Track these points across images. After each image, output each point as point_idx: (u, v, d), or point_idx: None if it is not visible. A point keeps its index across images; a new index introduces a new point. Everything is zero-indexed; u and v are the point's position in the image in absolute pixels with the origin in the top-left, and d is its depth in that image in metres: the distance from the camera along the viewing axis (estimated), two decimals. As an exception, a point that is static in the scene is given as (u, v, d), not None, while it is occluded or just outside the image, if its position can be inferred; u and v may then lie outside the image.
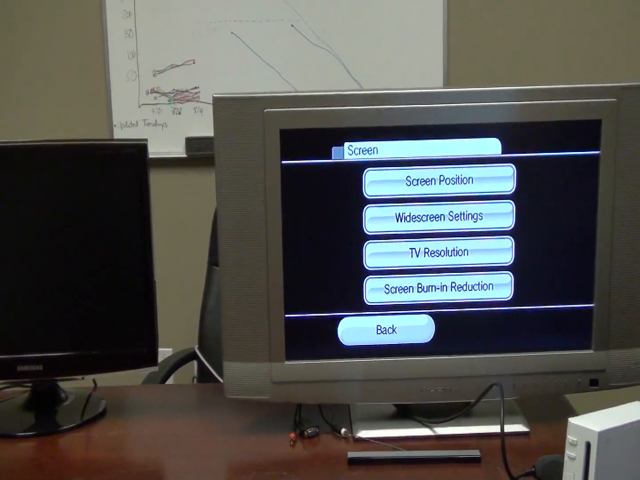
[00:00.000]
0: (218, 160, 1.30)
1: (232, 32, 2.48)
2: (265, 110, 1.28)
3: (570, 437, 0.93)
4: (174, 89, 2.50)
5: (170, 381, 2.01)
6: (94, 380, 1.56)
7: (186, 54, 2.49)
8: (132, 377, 1.73)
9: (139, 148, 1.40)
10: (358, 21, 2.46)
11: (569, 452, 0.94)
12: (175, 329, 2.36)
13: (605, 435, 0.90)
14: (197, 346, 2.03)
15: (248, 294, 1.32)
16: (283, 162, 1.30)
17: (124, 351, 1.45)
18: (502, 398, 1.26)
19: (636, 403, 1.00)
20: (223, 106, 1.29)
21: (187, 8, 2.46)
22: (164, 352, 2.13)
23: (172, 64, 2.50)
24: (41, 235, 1.42)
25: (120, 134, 2.51)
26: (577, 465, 0.92)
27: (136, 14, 2.47)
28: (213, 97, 1.30)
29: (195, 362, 2.06)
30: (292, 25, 2.47)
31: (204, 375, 1.99)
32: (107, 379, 1.55)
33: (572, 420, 0.94)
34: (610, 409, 0.98)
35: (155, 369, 1.50)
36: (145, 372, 1.59)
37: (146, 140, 1.42)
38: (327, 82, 2.46)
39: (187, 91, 2.50)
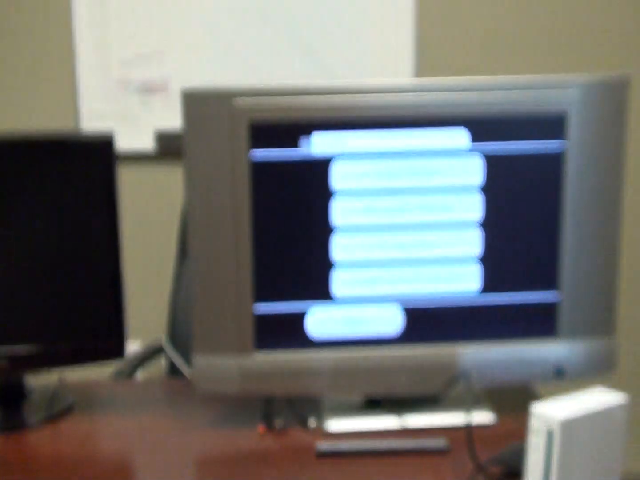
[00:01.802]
0: (187, 153, 1.29)
1: (201, 23, 2.46)
2: (233, 102, 1.27)
3: (533, 425, 0.94)
4: (142, 80, 2.48)
5: (138, 375, 1.99)
6: (60, 376, 1.54)
7: (155, 45, 2.47)
8: (99, 371, 1.71)
9: (106, 140, 1.39)
10: (329, 13, 2.46)
11: (532, 439, 0.95)
12: (145, 322, 2.35)
13: (568, 422, 0.91)
14: (165, 339, 2.02)
15: (217, 286, 1.31)
16: (252, 153, 1.29)
17: (91, 344, 1.43)
18: (469, 387, 1.27)
19: (598, 389, 1.02)
20: (191, 99, 1.28)
21: (155, -2, 2.43)
22: (132, 346, 2.12)
23: (140, 54, 2.47)
24: (4, 228, 1.39)
25: (88, 125, 2.48)
26: (540, 452, 0.93)
27: (104, 2, 2.44)
28: (181, 90, 1.29)
29: (163, 356, 2.05)
30: (262, 16, 2.46)
31: (172, 368, 1.98)
32: (75, 373, 1.53)
33: (535, 408, 0.94)
34: (573, 395, 0.99)
35: (122, 362, 1.48)
36: (111, 365, 1.57)
37: (113, 131, 1.40)
38: (298, 74, 2.45)
39: (156, 82, 2.48)
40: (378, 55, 2.47)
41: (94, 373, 1.61)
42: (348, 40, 2.47)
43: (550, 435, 0.92)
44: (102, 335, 1.43)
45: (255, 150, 1.29)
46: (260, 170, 1.30)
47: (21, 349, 1.41)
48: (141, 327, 2.35)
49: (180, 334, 1.96)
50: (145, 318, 2.37)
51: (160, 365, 2.13)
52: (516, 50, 2.49)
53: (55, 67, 2.49)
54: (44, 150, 1.39)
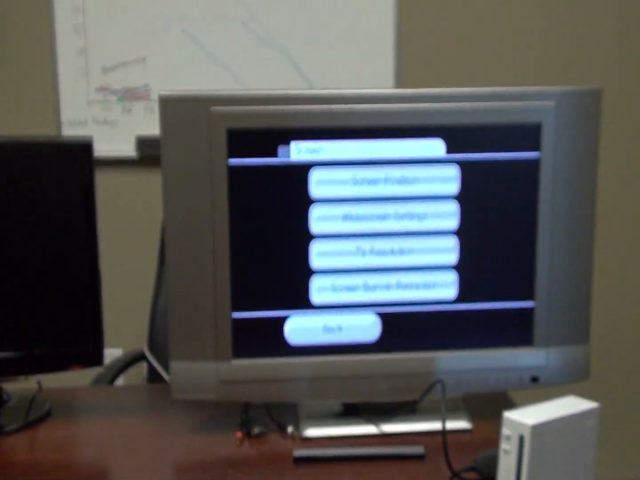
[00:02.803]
0: (164, 159, 1.30)
1: (183, 30, 2.46)
2: (211, 109, 1.28)
3: (504, 431, 0.95)
4: (123, 87, 2.48)
5: (119, 382, 1.99)
6: (38, 382, 1.54)
7: (136, 51, 2.47)
8: (79, 379, 1.71)
9: (84, 145, 1.39)
10: (310, 21, 2.47)
11: (504, 445, 0.96)
12: (125, 330, 2.35)
13: (539, 429, 0.92)
14: (146, 347, 2.02)
15: (195, 292, 1.32)
16: (230, 161, 1.30)
17: (69, 350, 1.43)
18: (444, 394, 1.29)
19: (570, 397, 1.03)
20: (169, 105, 1.29)
21: (138, 4, 2.44)
22: (114, 353, 2.12)
23: (122, 61, 2.47)
24: (-17, 234, 1.39)
25: (69, 132, 2.47)
26: (511, 458, 0.94)
27: (85, 9, 2.44)
28: (159, 95, 1.29)
29: (144, 363, 2.05)
30: (243, 24, 2.47)
31: (153, 376, 1.98)
32: (54, 380, 1.53)
33: (507, 414, 0.96)
34: (545, 403, 1.01)
35: (101, 369, 1.48)
36: (91, 372, 1.57)
37: (91, 137, 1.40)
38: (279, 82, 2.46)
39: (137, 89, 2.48)
40: (358, 65, 2.48)
41: (74, 380, 1.61)
42: (328, 49, 2.48)
43: (521, 440, 0.93)
44: (80, 341, 1.43)
45: (233, 157, 1.30)
46: (239, 177, 1.30)
47: (-2, 355, 1.41)
48: (123, 335, 2.34)
49: (160, 341, 1.96)
50: (126, 326, 2.36)
51: (141, 372, 2.13)
52: (495, 61, 2.51)
53: (36, 74, 2.49)
54: (22, 155, 1.39)
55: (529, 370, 1.38)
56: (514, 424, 0.94)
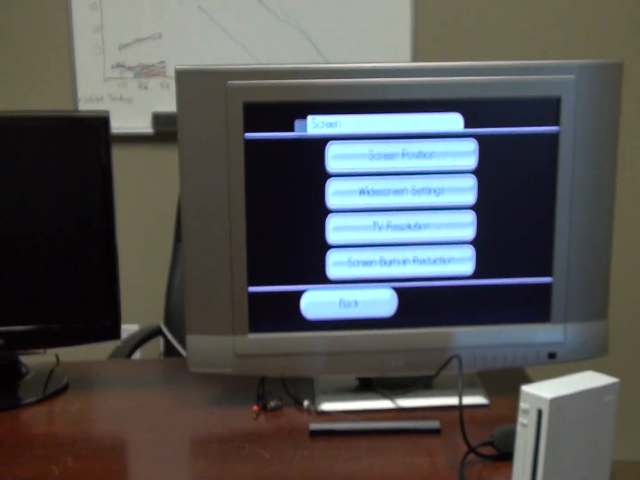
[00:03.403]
0: (181, 134, 1.29)
1: (199, 6, 2.45)
2: (228, 83, 1.28)
3: (522, 405, 0.95)
4: (140, 64, 2.47)
5: (135, 357, 2.00)
6: (56, 355, 1.55)
7: (152, 28, 2.46)
8: (96, 354, 1.72)
9: (101, 120, 1.39)
10: (326, -3, 2.45)
11: (521, 419, 0.95)
12: (142, 305, 2.36)
13: (557, 402, 0.92)
14: (162, 322, 2.03)
15: (211, 267, 1.32)
16: (246, 135, 1.29)
17: (86, 324, 1.44)
18: (461, 369, 1.28)
19: (589, 372, 1.02)
20: (186, 79, 1.29)
21: (154, -19, 2.43)
22: (130, 329, 2.13)
23: (138, 38, 2.47)
24: (0, 207, 1.40)
25: (86, 108, 2.47)
26: (529, 432, 0.94)
27: (101, -14, 2.43)
28: (175, 69, 1.29)
29: (161, 338, 2.06)
30: (259, 0, 2.45)
31: (169, 351, 1.99)
32: (72, 356, 1.54)
33: (525, 387, 0.95)
34: (563, 377, 1.00)
35: (118, 343, 1.49)
36: (109, 347, 1.58)
37: (108, 111, 1.40)
38: (294, 58, 2.44)
39: (153, 66, 2.48)
40: (374, 41, 2.46)
41: (92, 355, 1.62)
42: (344, 25, 2.46)
43: (539, 414, 0.93)
44: (97, 315, 1.44)
45: (249, 132, 1.29)
46: (255, 152, 1.30)
47: (17, 328, 1.42)
48: (139, 311, 2.35)
49: (176, 316, 1.97)
50: (143, 302, 2.37)
51: (158, 348, 2.14)
52: (515, 34, 2.48)
53: (53, 51, 2.49)
54: (39, 129, 1.39)
55: (546, 347, 1.38)
56: (532, 397, 0.93)
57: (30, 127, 1.39)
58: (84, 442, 1.29)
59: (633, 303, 2.58)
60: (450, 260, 1.35)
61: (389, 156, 1.32)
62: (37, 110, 1.45)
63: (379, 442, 1.27)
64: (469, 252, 1.35)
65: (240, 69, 1.29)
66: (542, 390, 0.93)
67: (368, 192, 1.33)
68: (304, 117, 1.30)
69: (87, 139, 1.39)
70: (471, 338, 1.36)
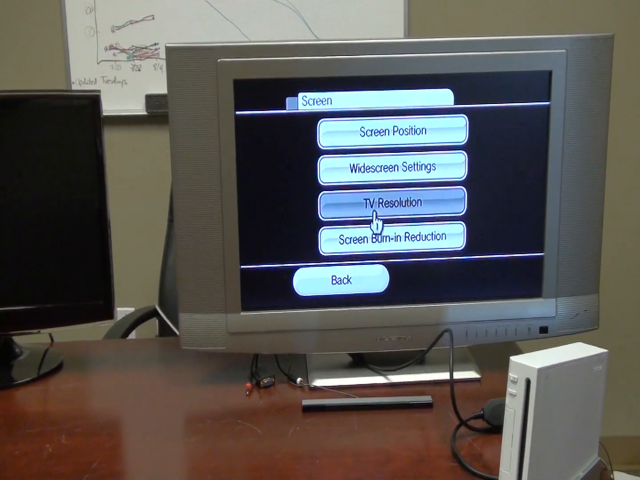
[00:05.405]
0: (171, 111, 1.29)
1: (192, -12, 2.44)
2: (218, 60, 1.27)
3: (511, 375, 0.96)
4: (133, 46, 2.46)
5: (131, 338, 2.01)
6: (50, 335, 1.56)
7: (145, 10, 2.45)
8: (92, 335, 1.72)
9: (92, 98, 1.39)
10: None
11: (510, 389, 0.96)
12: (137, 287, 2.36)
13: (545, 372, 0.92)
14: (157, 303, 2.03)
15: (203, 245, 1.32)
16: (237, 112, 1.29)
17: (80, 304, 1.44)
18: (452, 343, 1.29)
19: (578, 344, 1.03)
20: (176, 56, 1.28)
21: (146, -38, 2.41)
22: (125, 311, 2.13)
23: (131, 19, 2.46)
24: (-7, 187, 1.40)
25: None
26: (518, 401, 0.94)
27: (93, -32, 2.42)
28: (166, 46, 1.28)
29: (156, 320, 2.06)
30: (252, -19, 2.44)
31: (165, 332, 1.99)
32: (66, 336, 1.55)
33: (514, 358, 0.96)
34: (552, 348, 1.01)
35: (111, 322, 1.50)
36: (103, 327, 1.59)
37: (99, 91, 1.40)
38: (287, 38, 2.43)
39: (146, 47, 2.46)
40: (368, 18, 2.45)
41: (87, 337, 1.63)
42: (336, 3, 2.45)
43: (527, 383, 0.93)
44: (90, 295, 1.44)
45: (240, 109, 1.29)
46: (246, 129, 1.30)
47: (10, 309, 1.42)
48: (134, 294, 2.36)
49: (171, 296, 1.98)
50: (138, 284, 2.37)
51: (153, 330, 2.14)
52: (506, 9, 2.47)
53: (46, 33, 2.47)
54: (31, 108, 1.39)
55: (538, 321, 1.38)
56: (521, 367, 0.94)
57: (22, 106, 1.39)
58: (77, 420, 1.29)
59: (624, 276, 2.58)
60: (441, 236, 1.36)
61: (380, 132, 1.32)
62: (28, 89, 1.44)
63: (371, 417, 1.27)
64: (460, 227, 1.36)
65: (230, 46, 1.29)
66: (531, 360, 0.94)
67: (359, 169, 1.33)
68: (295, 94, 1.29)
69: (78, 119, 1.39)
70: (463, 313, 1.37)
